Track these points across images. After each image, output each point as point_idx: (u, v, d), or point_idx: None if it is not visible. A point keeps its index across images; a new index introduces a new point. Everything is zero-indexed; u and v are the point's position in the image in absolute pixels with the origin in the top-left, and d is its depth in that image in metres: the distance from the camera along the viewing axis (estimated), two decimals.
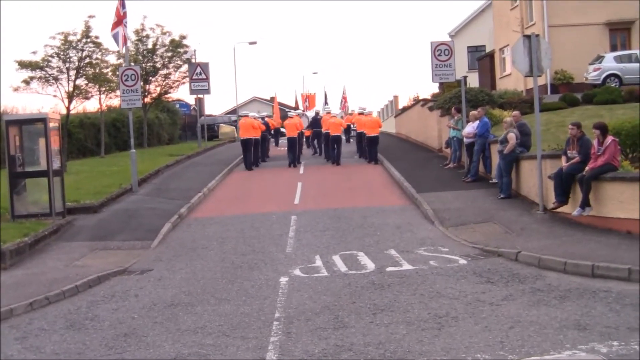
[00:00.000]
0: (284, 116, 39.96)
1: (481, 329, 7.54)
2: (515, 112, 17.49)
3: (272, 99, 50.57)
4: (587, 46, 30.74)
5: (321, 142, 29.31)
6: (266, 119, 30.87)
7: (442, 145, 24.24)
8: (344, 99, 49.32)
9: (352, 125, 34.55)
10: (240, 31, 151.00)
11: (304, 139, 32.14)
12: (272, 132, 34.18)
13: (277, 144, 36.62)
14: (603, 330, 7.18)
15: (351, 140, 34.80)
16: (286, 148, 27.55)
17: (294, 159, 26.24)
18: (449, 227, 13.84)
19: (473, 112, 19.16)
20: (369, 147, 25.40)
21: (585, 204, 12.37)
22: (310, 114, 35.80)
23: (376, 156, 25.17)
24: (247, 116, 27.09)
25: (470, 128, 18.80)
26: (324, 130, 27.40)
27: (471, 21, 48.66)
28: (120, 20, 20.18)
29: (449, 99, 24.50)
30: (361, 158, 26.98)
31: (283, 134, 32.54)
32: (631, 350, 6.56)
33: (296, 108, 50.40)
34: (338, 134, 26.29)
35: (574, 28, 31.36)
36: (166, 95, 40.18)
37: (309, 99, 55.55)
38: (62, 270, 11.72)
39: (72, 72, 28.69)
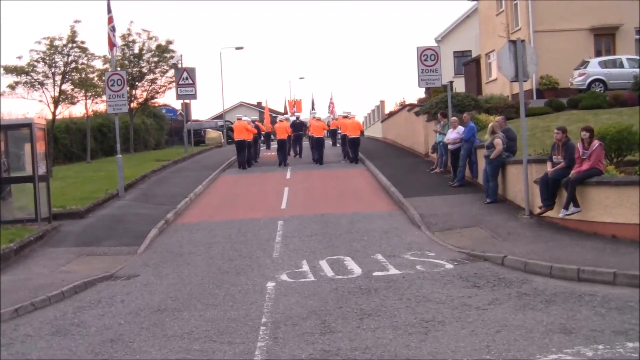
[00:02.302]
0: (273, 121, 40.34)
1: (467, 333, 7.56)
2: (499, 118, 17.46)
3: (260, 104, 50.85)
4: (572, 51, 30.96)
5: (297, 144, 31.66)
6: (256, 122, 32.29)
7: (428, 150, 24.32)
8: (332, 104, 49.86)
9: (338, 129, 34.89)
10: (227, 36, 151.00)
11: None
12: (263, 135, 35.01)
13: (268, 147, 37.09)
14: (588, 333, 7.23)
15: (337, 144, 35.05)
16: (276, 152, 29.26)
17: (283, 159, 27.96)
18: (436, 232, 13.87)
19: (453, 119, 19.28)
20: (351, 148, 27.20)
21: (569, 204, 12.42)
22: (293, 118, 36.49)
23: (357, 156, 26.88)
24: (240, 119, 28.38)
25: (454, 134, 18.86)
26: (309, 133, 29.39)
27: (457, 26, 48.83)
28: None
29: (436, 104, 24.57)
30: (346, 159, 28.20)
31: (273, 138, 33.42)
32: (616, 354, 6.60)
33: (285, 113, 51.03)
34: (320, 136, 28.23)
35: (560, 33, 31.58)
36: (153, 101, 40.14)
37: (297, 105, 55.77)
38: (48, 276, 11.65)
39: (58, 77, 28.54)
